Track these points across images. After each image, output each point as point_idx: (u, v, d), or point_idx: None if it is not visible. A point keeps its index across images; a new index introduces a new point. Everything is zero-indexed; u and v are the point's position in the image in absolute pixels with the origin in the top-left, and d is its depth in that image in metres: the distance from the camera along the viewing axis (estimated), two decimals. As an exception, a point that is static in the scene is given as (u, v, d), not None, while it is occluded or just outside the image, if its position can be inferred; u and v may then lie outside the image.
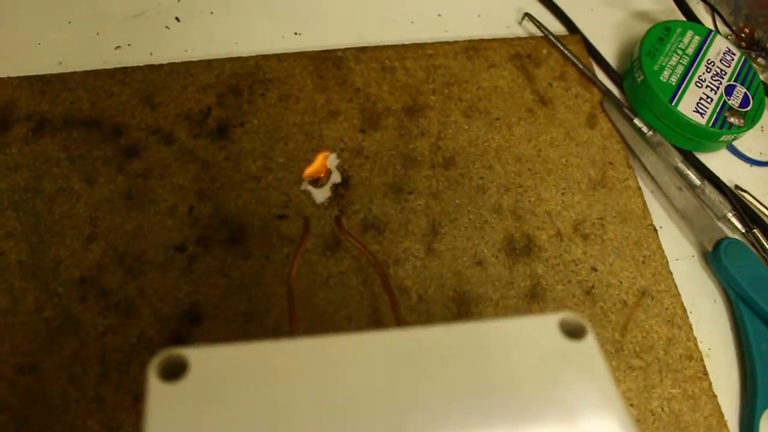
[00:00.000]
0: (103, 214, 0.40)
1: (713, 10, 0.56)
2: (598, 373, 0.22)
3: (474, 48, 0.50)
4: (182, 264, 0.39)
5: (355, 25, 0.51)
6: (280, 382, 0.21)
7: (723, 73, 0.50)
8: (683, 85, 0.49)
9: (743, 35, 0.56)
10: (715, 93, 0.49)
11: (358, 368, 0.22)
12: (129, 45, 0.47)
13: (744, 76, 0.51)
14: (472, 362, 0.22)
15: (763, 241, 0.46)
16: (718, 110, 0.48)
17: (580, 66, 0.50)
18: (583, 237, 0.44)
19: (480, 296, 0.41)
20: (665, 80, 0.49)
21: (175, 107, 0.44)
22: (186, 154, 0.42)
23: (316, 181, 0.42)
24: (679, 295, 0.43)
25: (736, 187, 0.49)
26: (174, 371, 0.21)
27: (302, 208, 0.42)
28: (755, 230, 0.46)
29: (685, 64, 0.50)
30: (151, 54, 0.47)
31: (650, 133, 0.48)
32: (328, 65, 0.47)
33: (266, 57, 0.47)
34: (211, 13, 0.50)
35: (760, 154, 0.52)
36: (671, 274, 0.44)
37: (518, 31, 0.53)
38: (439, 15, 0.53)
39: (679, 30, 0.52)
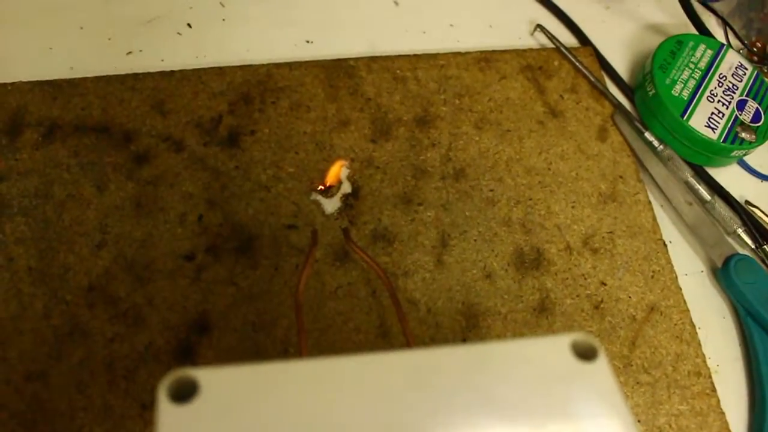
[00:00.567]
0: (112, 221, 0.40)
1: (725, 24, 0.56)
2: (610, 395, 0.22)
3: (486, 59, 0.50)
4: (191, 273, 0.39)
5: (367, 34, 0.51)
6: (290, 404, 0.21)
7: (735, 87, 0.50)
8: (695, 100, 0.49)
9: (755, 49, 0.56)
10: (727, 108, 0.49)
11: (370, 390, 0.22)
12: (141, 51, 0.47)
13: (756, 90, 0.51)
14: (483, 384, 0.22)
15: (773, 258, 0.46)
16: (729, 125, 0.48)
17: (592, 78, 0.50)
18: (593, 251, 0.44)
19: (488, 309, 0.41)
20: (677, 94, 0.48)
21: (185, 114, 0.44)
22: (196, 162, 0.42)
23: (326, 191, 0.42)
24: (687, 310, 0.43)
25: (747, 202, 0.49)
26: (184, 392, 0.21)
27: (312, 219, 0.41)
28: (765, 246, 0.46)
29: (697, 78, 0.50)
30: (162, 60, 0.47)
31: (661, 147, 0.48)
32: (339, 74, 0.47)
33: (278, 65, 0.47)
34: (223, 20, 0.50)
35: (771, 169, 0.52)
36: (680, 289, 0.44)
37: (530, 43, 0.53)
38: (451, 25, 0.53)
39: (691, 44, 0.52)
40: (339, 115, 0.45)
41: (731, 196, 0.48)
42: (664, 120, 0.48)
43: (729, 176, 0.50)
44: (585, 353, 0.23)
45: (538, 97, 0.49)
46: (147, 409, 0.35)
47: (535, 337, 0.24)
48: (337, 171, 0.43)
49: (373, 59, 0.48)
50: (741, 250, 0.45)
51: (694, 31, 0.54)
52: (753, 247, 0.46)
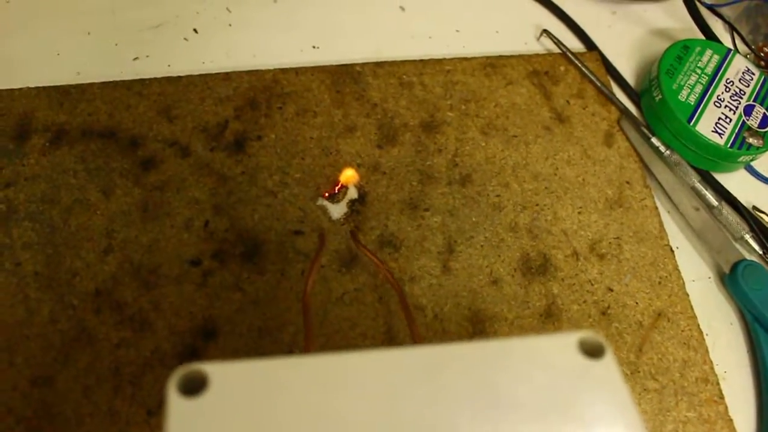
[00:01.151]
0: (119, 226, 0.40)
1: (732, 29, 0.56)
2: (617, 392, 0.22)
3: (492, 64, 0.50)
4: (197, 278, 0.39)
5: (373, 40, 0.51)
6: (299, 398, 0.22)
7: (742, 92, 0.50)
8: (702, 105, 0.48)
9: (762, 54, 0.56)
10: (734, 113, 0.49)
11: (378, 385, 0.22)
12: (147, 56, 0.47)
13: (763, 96, 0.50)
14: (490, 380, 0.22)
15: (781, 264, 0.45)
16: (736, 131, 0.48)
17: (598, 84, 0.50)
18: (600, 257, 0.44)
19: (495, 315, 0.41)
20: (684, 99, 0.48)
21: (192, 120, 0.44)
22: (202, 168, 0.42)
23: (333, 197, 0.42)
24: (695, 317, 0.43)
25: (754, 208, 0.48)
26: (194, 386, 0.21)
27: (318, 224, 0.41)
28: (773, 252, 0.46)
29: (704, 83, 0.50)
30: (169, 66, 0.47)
31: (668, 152, 0.48)
32: (345, 80, 0.47)
33: (284, 70, 0.47)
34: (230, 25, 0.50)
35: (779, 174, 0.52)
36: (687, 295, 0.44)
37: (536, 48, 0.53)
38: (457, 30, 0.53)
39: (698, 49, 0.52)
40: (345, 120, 0.45)
41: (738, 201, 0.48)
42: (670, 125, 0.48)
43: (736, 182, 0.50)
44: (592, 351, 0.23)
45: (545, 102, 0.49)
46: (153, 414, 0.35)
47: (542, 334, 0.24)
48: (352, 175, 0.43)
49: (380, 64, 0.48)
50: (748, 256, 0.45)
51: (700, 36, 0.54)
52: (761, 252, 0.46)
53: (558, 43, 0.52)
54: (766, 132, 0.48)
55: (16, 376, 0.35)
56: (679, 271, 0.44)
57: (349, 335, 0.39)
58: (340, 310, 0.39)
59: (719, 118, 0.48)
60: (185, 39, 0.48)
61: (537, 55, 0.52)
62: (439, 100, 0.47)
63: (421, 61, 0.49)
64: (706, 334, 0.43)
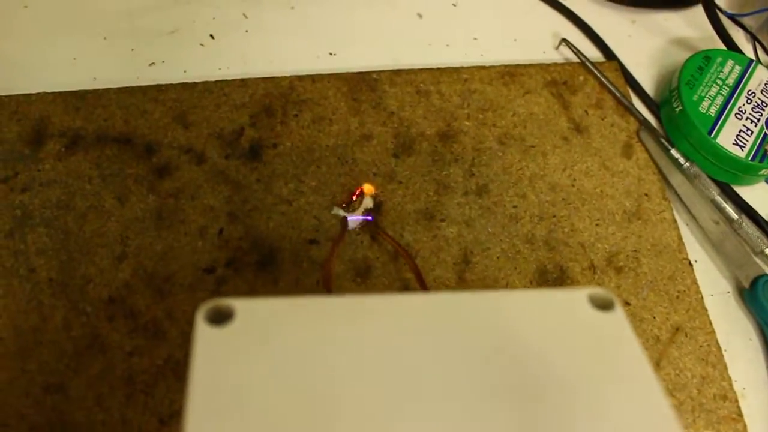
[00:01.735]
0: (133, 233, 0.40)
1: (754, 39, 0.55)
2: (627, 340, 0.24)
3: (510, 73, 0.49)
4: (211, 286, 0.39)
5: (390, 47, 0.50)
6: (317, 331, 0.23)
7: (764, 104, 0.49)
8: (723, 117, 0.48)
9: (784, 65, 0.55)
10: (756, 125, 0.48)
11: (394, 328, 0.24)
12: (163, 62, 0.47)
13: (785, 108, 0.50)
14: (506, 326, 0.24)
15: (802, 279, 0.45)
16: (758, 143, 0.47)
17: (617, 94, 0.50)
18: (617, 270, 0.43)
19: (511, 328, 0.40)
20: (704, 111, 0.48)
21: (207, 126, 0.44)
22: (217, 175, 0.42)
23: (348, 206, 0.42)
24: (713, 332, 0.42)
25: (775, 221, 0.48)
26: (221, 317, 0.23)
27: (333, 234, 0.41)
28: (793, 267, 0.45)
29: (725, 94, 0.49)
30: (185, 72, 0.47)
31: (687, 164, 0.47)
32: (362, 87, 0.47)
33: (300, 77, 0.47)
34: (246, 31, 0.50)
35: (800, 188, 0.51)
36: (706, 310, 0.43)
37: (554, 57, 0.53)
38: (475, 39, 0.52)
39: (719, 59, 0.51)
40: (361, 128, 0.45)
41: (759, 215, 0.47)
42: (690, 137, 0.48)
43: (757, 195, 0.49)
44: (602, 305, 0.25)
45: (563, 112, 0.49)
46: (165, 423, 0.35)
47: (554, 288, 0.26)
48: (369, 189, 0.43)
49: (396, 72, 0.48)
50: (769, 271, 0.45)
51: (722, 46, 0.53)
52: (781, 267, 0.45)
53: (577, 52, 0.51)
54: (787, 145, 0.48)
55: (28, 383, 0.35)
56: (698, 285, 0.44)
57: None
58: (355, 321, 0.39)
59: (740, 131, 0.48)
60: (201, 45, 0.48)
61: (555, 64, 0.51)
62: (456, 109, 0.47)
63: (439, 69, 0.49)
64: (725, 350, 0.42)
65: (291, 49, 0.49)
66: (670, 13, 0.58)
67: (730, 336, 0.43)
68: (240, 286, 0.39)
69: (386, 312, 0.24)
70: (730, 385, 0.41)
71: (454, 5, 0.54)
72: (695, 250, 0.46)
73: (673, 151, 0.48)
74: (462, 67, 0.49)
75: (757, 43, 0.55)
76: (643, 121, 0.49)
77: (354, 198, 0.42)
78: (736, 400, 0.40)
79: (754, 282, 0.43)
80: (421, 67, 0.49)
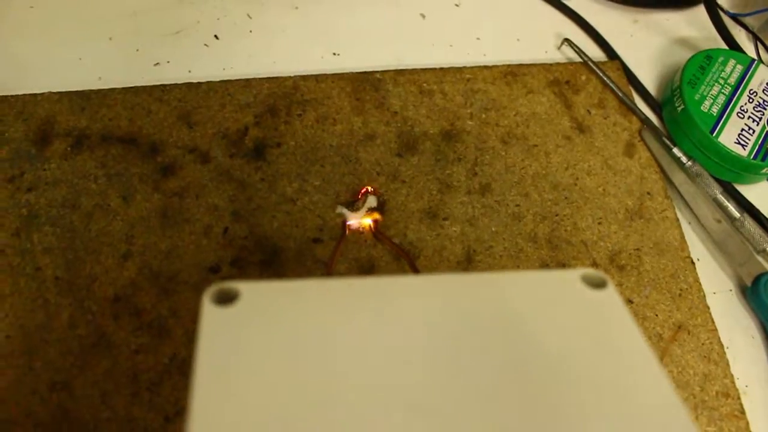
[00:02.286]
0: (138, 232, 0.40)
1: (756, 39, 0.56)
2: (620, 315, 0.25)
3: (512, 73, 0.49)
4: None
5: (393, 47, 0.51)
6: (320, 312, 0.24)
7: (766, 103, 0.50)
8: (725, 116, 0.48)
9: (786, 65, 0.55)
10: (758, 124, 0.48)
11: (394, 309, 0.24)
12: (168, 62, 0.47)
13: (787, 107, 0.50)
14: (501, 306, 0.25)
15: (804, 277, 0.45)
16: (760, 142, 0.47)
17: (619, 93, 0.50)
18: (619, 268, 0.43)
19: (514, 326, 0.40)
20: (706, 110, 0.48)
21: (212, 126, 0.44)
22: (222, 174, 0.42)
23: (352, 205, 0.42)
24: (716, 330, 0.42)
25: (777, 220, 0.48)
26: (226, 298, 0.24)
27: (337, 232, 0.41)
28: (796, 266, 0.45)
29: (727, 93, 0.49)
30: (189, 72, 0.47)
31: (689, 163, 0.47)
32: (366, 87, 0.47)
33: (304, 77, 0.47)
34: (250, 31, 0.50)
35: (802, 186, 0.51)
36: (708, 308, 0.43)
37: (557, 56, 0.53)
38: (477, 38, 0.53)
39: (721, 59, 0.51)
40: (365, 128, 0.45)
41: (761, 213, 0.48)
42: (692, 136, 0.48)
43: (759, 193, 0.49)
44: (595, 284, 0.26)
45: (565, 111, 0.49)
46: (170, 421, 0.35)
47: (547, 269, 0.27)
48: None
49: (400, 72, 0.48)
50: (771, 269, 0.45)
51: (723, 45, 0.53)
52: (783, 266, 0.45)
53: (579, 51, 0.52)
54: (789, 144, 0.48)
55: (34, 381, 0.36)
56: (700, 284, 0.44)
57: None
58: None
59: (742, 129, 0.48)
60: (206, 45, 0.49)
61: (558, 64, 0.51)
62: (459, 109, 0.47)
63: (442, 69, 0.49)
64: (727, 348, 0.42)
65: (295, 49, 0.49)
66: (672, 13, 0.58)
67: (732, 334, 0.43)
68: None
69: (386, 293, 0.25)
70: (733, 382, 0.41)
71: (457, 5, 0.55)
72: (697, 249, 0.46)
73: (676, 150, 0.48)
74: (465, 67, 0.49)
75: (759, 43, 0.56)
76: (645, 120, 0.49)
77: (359, 197, 0.43)
78: (739, 398, 0.41)
79: (756, 280, 0.44)
80: (424, 66, 0.49)
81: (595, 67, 0.51)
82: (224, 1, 0.51)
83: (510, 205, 0.44)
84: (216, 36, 0.49)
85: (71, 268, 0.39)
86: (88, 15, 0.49)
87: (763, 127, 0.48)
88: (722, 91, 0.49)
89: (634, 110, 0.50)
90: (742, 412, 0.40)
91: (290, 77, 0.47)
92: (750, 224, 0.46)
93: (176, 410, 0.36)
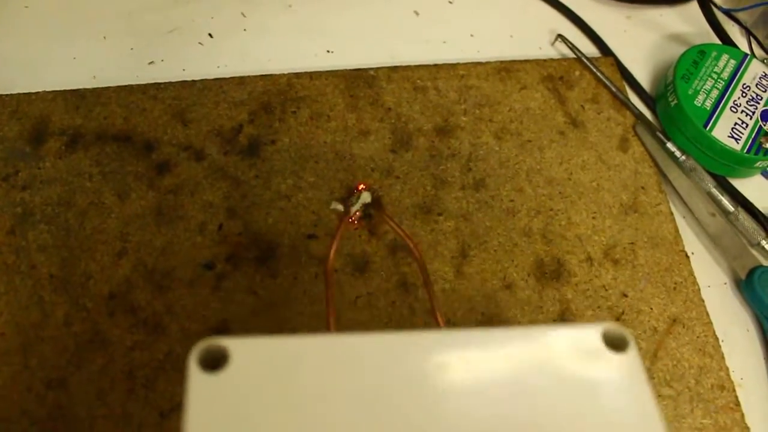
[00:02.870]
0: (133, 229, 0.40)
1: (749, 34, 0.56)
2: (639, 387, 0.22)
3: (506, 69, 0.50)
4: (211, 281, 0.39)
5: (387, 44, 0.51)
6: (318, 377, 0.22)
7: (759, 97, 0.50)
8: (718, 110, 0.48)
9: (779, 59, 0.55)
10: (751, 118, 0.48)
11: (397, 368, 0.22)
12: (162, 60, 0.47)
13: (780, 101, 0.50)
14: (514, 368, 0.23)
15: (798, 270, 0.45)
16: (753, 136, 0.47)
17: (613, 88, 0.50)
18: (614, 262, 0.43)
19: (508, 320, 0.40)
20: (699, 104, 0.48)
21: (206, 124, 0.44)
22: (216, 171, 0.42)
23: (346, 201, 0.42)
24: (710, 323, 0.43)
25: (771, 213, 0.48)
26: (215, 361, 0.21)
27: (332, 228, 0.41)
28: (790, 258, 0.45)
29: (720, 88, 0.49)
30: (184, 70, 0.47)
31: (683, 157, 0.48)
32: (359, 84, 0.47)
33: (298, 75, 0.47)
34: (244, 30, 0.50)
35: (796, 180, 0.51)
36: (703, 301, 0.43)
37: (551, 53, 0.53)
38: (471, 35, 0.53)
39: (714, 53, 0.51)
40: (359, 124, 0.45)
41: (755, 207, 0.48)
42: (686, 130, 0.48)
43: (753, 187, 0.49)
44: (616, 343, 0.23)
45: (559, 107, 0.49)
46: (166, 417, 0.35)
47: (567, 324, 0.25)
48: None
49: (394, 69, 0.48)
50: (765, 262, 0.45)
51: (717, 40, 0.54)
52: (777, 259, 0.45)
53: (573, 47, 0.52)
54: (783, 137, 0.48)
55: (30, 378, 0.36)
56: (695, 277, 0.44)
57: (362, 339, 0.38)
58: (354, 314, 0.39)
59: (735, 124, 0.48)
60: (200, 43, 0.49)
61: (551, 59, 0.51)
62: (453, 105, 0.47)
63: (436, 65, 0.49)
64: (722, 341, 0.42)
65: (289, 47, 0.50)
66: (665, 9, 0.58)
67: (727, 327, 0.43)
68: (239, 281, 0.39)
69: (389, 352, 0.23)
70: (728, 375, 0.41)
71: (451, 2, 0.55)
72: (692, 243, 0.46)
73: (669, 145, 0.48)
74: (459, 64, 0.49)
75: (751, 38, 0.56)
76: (639, 115, 0.49)
77: (354, 192, 0.43)
78: (734, 390, 0.41)
79: (751, 273, 0.44)
80: (418, 63, 0.49)
81: (588, 63, 0.51)
82: (218, 0, 0.51)
83: (504, 200, 0.44)
84: (210, 34, 0.49)
85: (66, 265, 0.39)
86: (83, 14, 0.49)
87: (756, 121, 0.48)
88: (715, 85, 0.49)
89: (627, 105, 0.50)
90: (737, 404, 0.40)
91: (284, 75, 0.47)
92: (744, 218, 0.46)
93: (171, 406, 0.36)
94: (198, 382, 0.21)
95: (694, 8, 0.54)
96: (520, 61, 0.51)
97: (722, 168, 0.48)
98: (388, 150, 0.45)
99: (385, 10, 0.53)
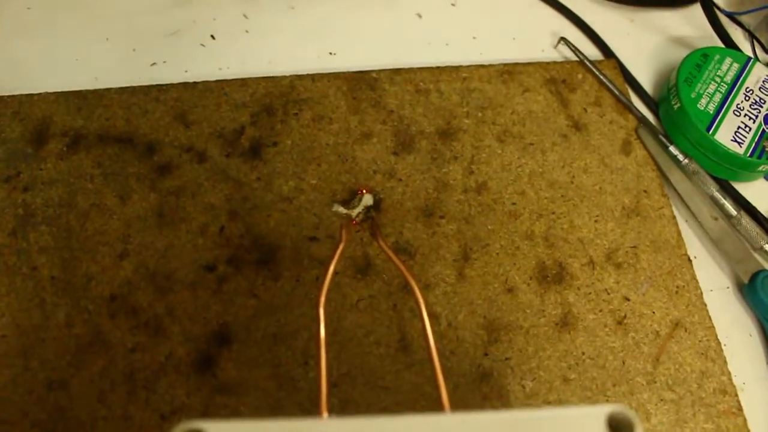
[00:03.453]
0: (135, 231, 0.40)
1: (752, 37, 0.56)
2: None
3: (509, 72, 0.50)
4: (212, 284, 0.39)
5: (390, 47, 0.51)
6: None
7: (762, 101, 0.50)
8: (721, 114, 0.48)
9: (782, 63, 0.55)
10: (754, 122, 0.48)
11: None
12: (164, 62, 0.47)
13: (783, 105, 0.50)
14: None
15: (801, 275, 0.45)
16: (756, 139, 0.47)
17: (616, 91, 0.50)
18: (616, 266, 0.43)
19: (510, 324, 0.40)
20: (702, 108, 0.48)
21: (208, 126, 0.44)
22: (218, 173, 0.42)
23: (348, 203, 0.42)
24: (713, 327, 0.42)
25: (773, 217, 0.48)
26: None
27: (333, 231, 0.41)
28: (793, 263, 0.45)
29: (723, 91, 0.49)
30: (186, 71, 0.47)
31: (686, 161, 0.47)
32: (362, 86, 0.47)
33: (300, 77, 0.47)
34: (246, 31, 0.50)
35: (798, 184, 0.51)
36: (705, 305, 0.43)
37: (553, 55, 0.53)
38: (474, 38, 0.53)
39: (717, 57, 0.51)
40: (361, 127, 0.45)
41: (758, 211, 0.48)
42: (689, 134, 0.48)
43: (756, 191, 0.49)
44: (621, 427, 0.22)
45: (562, 110, 0.49)
46: (166, 419, 0.35)
47: (571, 406, 0.24)
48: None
49: (396, 71, 0.48)
50: (768, 267, 0.45)
51: (720, 44, 0.53)
52: (780, 263, 0.45)
53: (575, 50, 0.52)
54: (786, 141, 0.48)
55: (31, 380, 0.36)
56: (697, 281, 0.44)
57: (363, 343, 0.38)
58: (355, 317, 0.39)
59: (739, 127, 0.48)
60: (202, 45, 0.49)
61: (554, 62, 0.51)
62: (456, 107, 0.47)
63: (438, 68, 0.49)
64: (724, 345, 0.42)
65: (291, 48, 0.49)
66: (668, 12, 0.58)
67: (729, 331, 0.43)
68: (241, 283, 0.39)
69: None
70: (730, 379, 0.41)
71: (453, 5, 0.55)
72: (694, 246, 0.46)
73: (672, 148, 0.48)
74: (461, 66, 0.49)
75: (755, 41, 0.56)
76: (641, 119, 0.49)
77: (358, 194, 0.43)
78: (736, 395, 0.40)
79: (753, 277, 0.44)
80: (420, 66, 0.49)
81: (591, 66, 0.51)
82: (220, 2, 0.51)
83: (506, 203, 0.44)
84: (212, 36, 0.49)
85: (67, 267, 0.39)
86: (85, 16, 0.49)
87: (760, 124, 0.48)
88: (718, 89, 0.49)
89: (630, 108, 0.50)
90: (740, 408, 0.40)
91: (286, 77, 0.47)
92: (747, 222, 0.46)
93: (172, 408, 0.36)
94: None
95: (698, 11, 0.54)
96: (523, 64, 0.50)
97: (725, 172, 0.48)
98: (391, 152, 0.45)
99: (388, 12, 0.53)
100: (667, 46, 0.56)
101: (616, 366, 0.40)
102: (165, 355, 0.37)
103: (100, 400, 0.36)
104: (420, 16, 0.53)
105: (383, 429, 0.22)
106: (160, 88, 0.45)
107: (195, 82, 0.46)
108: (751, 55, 0.54)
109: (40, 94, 0.44)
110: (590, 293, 0.42)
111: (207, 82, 0.46)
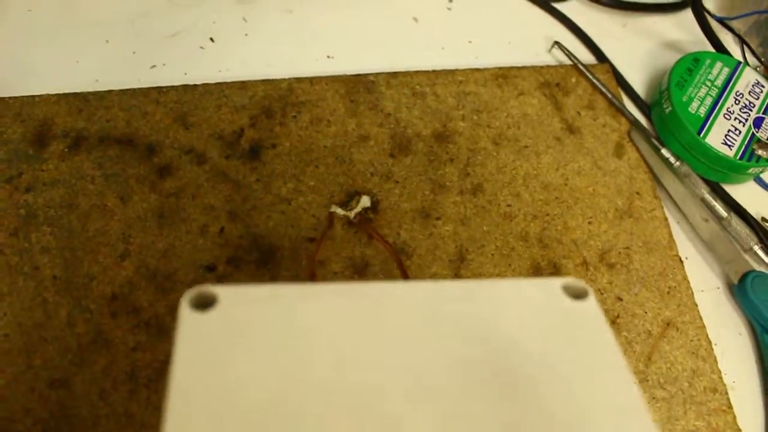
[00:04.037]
0: (135, 231, 0.40)
1: (742, 42, 0.56)
2: (600, 329, 0.25)
3: (504, 75, 0.50)
4: (212, 283, 0.40)
5: (387, 50, 0.51)
6: (298, 318, 0.24)
7: (752, 105, 0.50)
8: (711, 117, 0.49)
9: (772, 67, 0.56)
10: (744, 125, 0.49)
11: (375, 315, 0.24)
12: (164, 64, 0.48)
13: (773, 108, 0.51)
14: (482, 315, 0.25)
15: (790, 275, 0.46)
16: (746, 143, 0.48)
17: (609, 95, 0.51)
18: (609, 266, 0.44)
19: (505, 323, 0.41)
20: (694, 111, 0.49)
21: (208, 127, 0.45)
22: (218, 175, 0.43)
23: (346, 205, 0.43)
24: (704, 326, 0.43)
25: (763, 219, 0.49)
26: (204, 303, 0.23)
27: (331, 232, 0.42)
28: (782, 264, 0.46)
29: (714, 95, 0.50)
30: (185, 74, 0.47)
31: (677, 163, 0.48)
32: (359, 89, 0.48)
33: (299, 80, 0.47)
34: (246, 34, 0.50)
35: (788, 186, 0.52)
36: (696, 305, 0.44)
37: (548, 59, 0.54)
38: (469, 42, 0.53)
39: (708, 61, 0.52)
40: (359, 129, 0.46)
41: (748, 213, 0.48)
42: (680, 137, 0.49)
43: (746, 193, 0.50)
44: (576, 294, 0.26)
45: (556, 113, 0.49)
46: (168, 417, 0.36)
47: (529, 278, 0.27)
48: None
49: (393, 75, 0.49)
50: (758, 267, 0.45)
51: (711, 48, 0.54)
52: (769, 264, 0.46)
53: (569, 54, 0.52)
54: (775, 144, 0.49)
55: (33, 378, 0.36)
56: (688, 282, 0.45)
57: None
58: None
59: (729, 131, 0.49)
60: (202, 48, 0.49)
61: (548, 66, 0.52)
62: (452, 111, 0.48)
63: (434, 71, 0.50)
64: (715, 344, 0.43)
65: (289, 52, 0.50)
66: (660, 17, 0.59)
67: (720, 330, 0.44)
68: (241, 283, 0.40)
69: (366, 299, 0.25)
70: (720, 378, 0.42)
71: (449, 9, 0.55)
72: (686, 247, 0.47)
73: (664, 151, 0.49)
74: (457, 70, 0.50)
75: (744, 46, 0.56)
76: (634, 122, 0.50)
77: (355, 195, 0.43)
78: (726, 393, 0.41)
79: (743, 278, 0.44)
80: (417, 69, 0.50)
81: (585, 70, 0.51)
82: (220, 5, 0.52)
83: (501, 205, 0.45)
84: (212, 39, 0.50)
85: (69, 267, 0.39)
86: (86, 18, 0.49)
87: (749, 128, 0.49)
88: (709, 93, 0.50)
89: (623, 112, 0.50)
90: (730, 406, 0.41)
91: (285, 79, 0.47)
92: (737, 223, 0.47)
93: (174, 406, 0.36)
94: (188, 319, 0.23)
95: (689, 17, 0.55)
96: (518, 68, 0.51)
97: (716, 174, 0.49)
98: (388, 155, 0.45)
99: (385, 16, 0.54)
100: (659, 51, 0.57)
101: (609, 365, 0.41)
102: (166, 353, 0.37)
103: (101, 398, 0.36)
104: (416, 20, 0.54)
105: (359, 292, 0.25)
106: (160, 90, 0.45)
107: (195, 85, 0.46)
108: (741, 59, 0.55)
109: (41, 95, 0.44)
110: (584, 293, 0.43)
111: (207, 84, 0.46)
